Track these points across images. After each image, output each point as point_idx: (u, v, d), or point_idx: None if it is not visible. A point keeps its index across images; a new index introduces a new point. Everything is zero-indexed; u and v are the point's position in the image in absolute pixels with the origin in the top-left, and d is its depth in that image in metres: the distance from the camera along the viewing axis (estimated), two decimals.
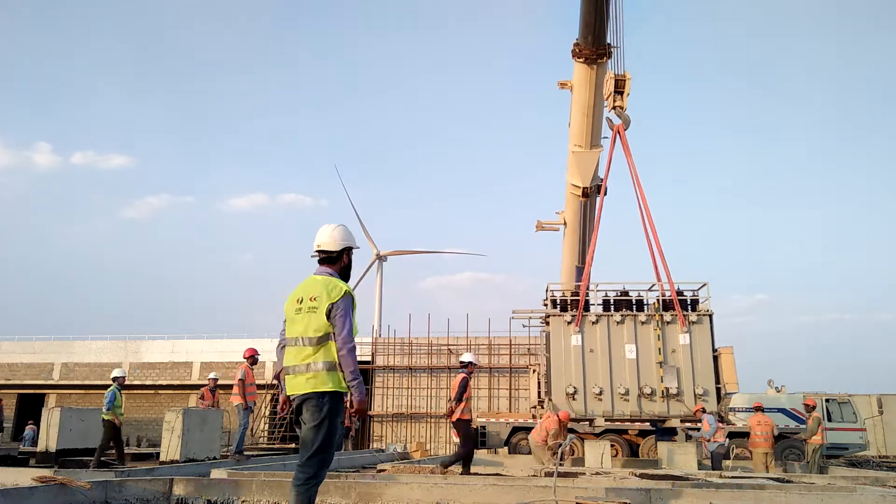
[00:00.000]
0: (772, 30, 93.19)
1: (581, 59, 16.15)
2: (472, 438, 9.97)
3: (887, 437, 26.79)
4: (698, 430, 14.81)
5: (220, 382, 15.74)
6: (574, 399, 15.53)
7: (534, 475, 9.73)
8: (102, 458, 11.20)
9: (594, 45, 15.71)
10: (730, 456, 15.22)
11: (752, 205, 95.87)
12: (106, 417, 11.37)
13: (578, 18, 15.52)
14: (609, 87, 15.80)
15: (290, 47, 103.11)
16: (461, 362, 10.21)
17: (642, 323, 15.54)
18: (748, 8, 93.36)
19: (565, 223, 21.32)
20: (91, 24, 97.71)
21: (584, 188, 18.59)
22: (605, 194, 17.38)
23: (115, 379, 11.86)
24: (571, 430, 15.08)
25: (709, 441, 14.12)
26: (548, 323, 16.22)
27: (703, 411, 14.67)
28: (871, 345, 79.10)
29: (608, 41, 15.71)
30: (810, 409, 14.23)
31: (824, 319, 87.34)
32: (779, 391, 21.91)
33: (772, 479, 9.20)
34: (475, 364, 10.17)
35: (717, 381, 15.20)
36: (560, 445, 10.51)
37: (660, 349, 15.26)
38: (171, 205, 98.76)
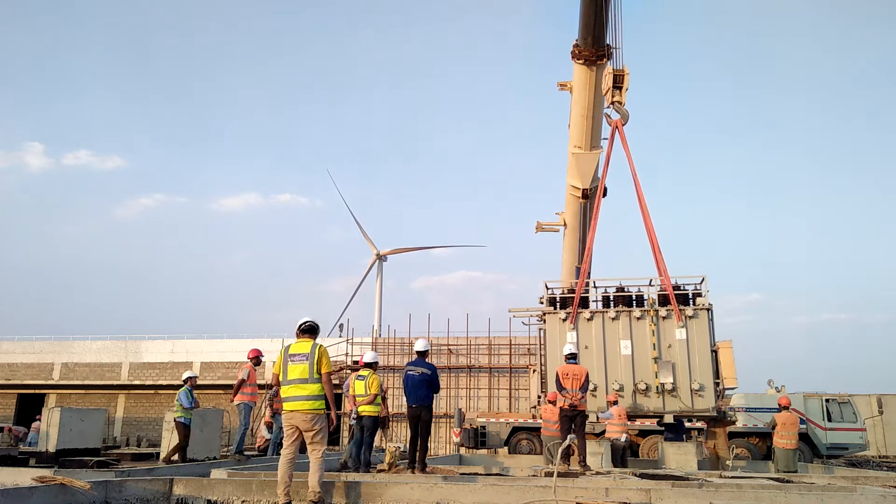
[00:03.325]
0: (771, 31, 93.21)
1: (581, 61, 16.09)
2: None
3: (887, 437, 26.79)
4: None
5: (218, 382, 15.61)
6: None
7: (534, 475, 9.73)
8: (100, 459, 11.21)
9: (594, 47, 15.64)
10: (626, 453, 14.66)
11: (747, 204, 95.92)
12: (188, 417, 11.40)
13: (578, 19, 15.48)
14: (608, 82, 15.70)
15: (286, 46, 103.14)
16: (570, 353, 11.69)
17: (637, 318, 15.47)
18: (747, 9, 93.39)
19: (565, 224, 21.28)
20: (84, 25, 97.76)
21: (584, 189, 18.55)
22: (605, 195, 17.33)
23: (188, 380, 11.91)
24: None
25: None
26: (545, 321, 16.23)
27: (615, 403, 14.31)
28: (870, 345, 79.10)
29: (608, 42, 15.65)
30: (782, 408, 13.91)
31: (820, 320, 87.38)
32: (779, 391, 21.95)
33: (772, 479, 9.20)
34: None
35: (717, 376, 15.09)
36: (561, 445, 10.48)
37: (654, 344, 15.22)
38: (163, 205, 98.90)
